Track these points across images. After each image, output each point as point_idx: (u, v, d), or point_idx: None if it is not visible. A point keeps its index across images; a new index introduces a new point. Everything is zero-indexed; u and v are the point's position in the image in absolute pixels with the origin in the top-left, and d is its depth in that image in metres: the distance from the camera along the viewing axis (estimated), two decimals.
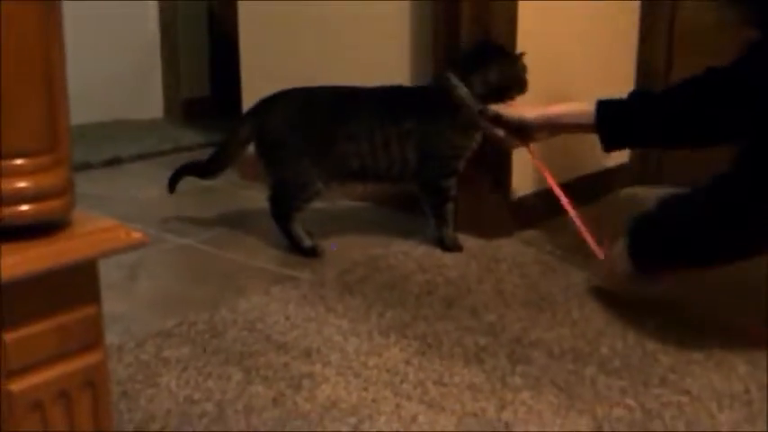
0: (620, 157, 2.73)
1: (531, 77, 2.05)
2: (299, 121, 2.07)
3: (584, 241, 1.98)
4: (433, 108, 2.04)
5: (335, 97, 2.09)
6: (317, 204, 2.15)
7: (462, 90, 2.00)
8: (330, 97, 2.09)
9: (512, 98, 2.02)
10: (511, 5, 2.12)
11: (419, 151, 2.03)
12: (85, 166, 2.95)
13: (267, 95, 2.12)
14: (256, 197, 2.29)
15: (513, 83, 2.02)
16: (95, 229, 0.70)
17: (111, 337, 1.59)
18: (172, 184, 2.24)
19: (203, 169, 2.22)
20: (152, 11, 3.88)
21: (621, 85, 2.66)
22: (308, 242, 2.09)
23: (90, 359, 0.72)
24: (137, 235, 0.69)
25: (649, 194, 2.65)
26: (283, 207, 2.09)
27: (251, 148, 2.14)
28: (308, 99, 2.09)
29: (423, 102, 2.07)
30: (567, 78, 2.37)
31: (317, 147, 2.04)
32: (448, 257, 2.05)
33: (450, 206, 2.08)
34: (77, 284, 0.70)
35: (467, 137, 2.04)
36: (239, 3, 2.79)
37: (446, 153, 2.04)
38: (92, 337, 0.72)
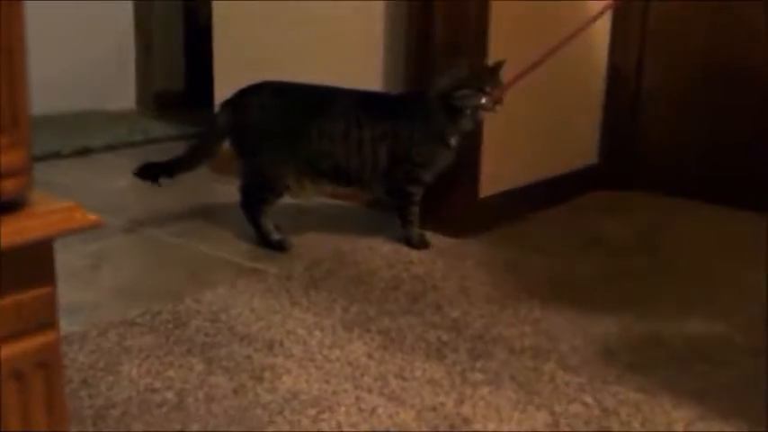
0: (590, 158, 2.76)
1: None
2: (276, 115, 2.07)
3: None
4: (407, 115, 2.06)
5: (313, 95, 2.09)
6: (288, 200, 2.15)
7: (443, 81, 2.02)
8: (308, 94, 2.09)
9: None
10: (483, 7, 2.13)
11: (390, 156, 2.05)
12: (55, 156, 2.93)
13: (246, 86, 2.12)
14: (227, 190, 2.29)
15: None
16: (52, 210, 0.70)
17: (74, 326, 1.59)
18: (143, 174, 2.19)
19: (180, 162, 2.18)
20: (127, 3, 3.86)
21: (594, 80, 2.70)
22: (275, 236, 2.09)
23: (44, 339, 0.73)
24: (92, 217, 0.70)
25: (618, 196, 2.69)
26: (254, 199, 2.10)
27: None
28: (287, 94, 2.10)
29: (398, 108, 2.08)
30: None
31: (291, 142, 2.05)
32: (414, 254, 2.07)
33: (415, 208, 2.09)
34: (33, 264, 0.70)
35: (437, 149, 2.05)
36: None
37: (415, 160, 2.05)
38: (46, 318, 0.72)
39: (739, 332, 1.70)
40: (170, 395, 1.37)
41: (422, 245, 2.10)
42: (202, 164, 2.19)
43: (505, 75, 2.04)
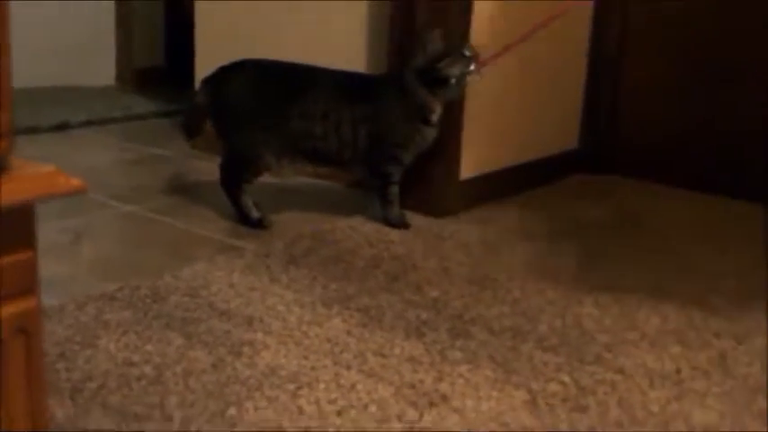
0: (570, 143, 2.77)
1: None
2: (257, 93, 2.06)
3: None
4: (386, 96, 2.05)
5: (295, 74, 2.08)
6: (268, 178, 2.15)
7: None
8: (289, 73, 2.08)
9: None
10: None
11: (370, 137, 2.04)
12: (32, 130, 2.90)
13: (226, 63, 2.11)
14: (207, 168, 2.29)
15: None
16: (34, 174, 0.69)
17: (52, 299, 1.58)
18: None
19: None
20: None
21: (575, 65, 2.71)
22: (255, 213, 2.08)
23: (24, 305, 0.72)
24: (75, 182, 0.69)
25: (598, 181, 2.71)
26: (234, 177, 2.09)
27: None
28: (268, 72, 2.09)
29: (378, 89, 2.08)
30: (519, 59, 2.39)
31: (271, 120, 2.04)
32: (394, 234, 2.07)
33: (394, 188, 2.09)
34: (14, 229, 0.70)
35: (417, 128, 2.05)
36: None
37: (395, 141, 2.04)
38: (26, 284, 0.72)
39: (714, 316, 1.72)
40: (148, 369, 1.36)
41: (402, 225, 2.10)
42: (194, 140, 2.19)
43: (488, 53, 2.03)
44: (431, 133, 2.06)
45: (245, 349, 1.45)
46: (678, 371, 1.48)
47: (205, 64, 2.63)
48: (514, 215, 2.31)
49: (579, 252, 2.06)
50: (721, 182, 2.61)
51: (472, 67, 1.99)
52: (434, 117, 2.04)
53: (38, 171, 0.70)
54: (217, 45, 2.71)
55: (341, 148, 2.05)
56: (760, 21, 2.49)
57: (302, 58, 2.11)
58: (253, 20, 2.61)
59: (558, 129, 2.73)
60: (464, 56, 1.98)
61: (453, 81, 1.99)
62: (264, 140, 2.05)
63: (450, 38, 2.02)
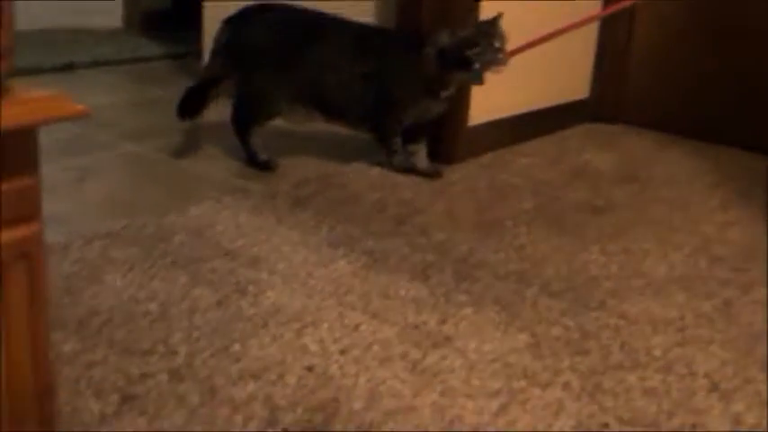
0: (582, 92, 2.75)
1: None
2: (276, 37, 2.05)
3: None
4: (399, 58, 2.03)
5: (314, 22, 2.06)
6: (278, 122, 2.14)
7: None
8: (309, 20, 2.07)
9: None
10: None
11: (376, 95, 2.02)
12: (36, 71, 2.87)
13: (248, 5, 2.09)
14: (214, 109, 2.26)
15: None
16: (37, 98, 0.68)
17: (58, 236, 1.58)
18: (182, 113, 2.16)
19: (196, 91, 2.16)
20: None
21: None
22: (263, 155, 2.08)
23: (27, 230, 0.72)
24: (79, 106, 0.68)
25: (607, 130, 2.69)
26: (245, 117, 2.08)
27: None
28: (289, 17, 2.08)
29: (393, 48, 2.05)
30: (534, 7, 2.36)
31: (286, 66, 2.03)
32: (402, 178, 2.06)
33: (397, 139, 2.07)
34: (17, 153, 0.69)
35: (422, 100, 2.02)
36: None
37: (397, 99, 2.02)
38: (29, 209, 0.71)
39: (718, 264, 1.71)
40: (153, 306, 1.37)
41: (435, 174, 2.09)
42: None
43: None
44: (437, 107, 2.05)
45: (250, 288, 1.45)
46: (682, 318, 1.48)
47: (212, 7, 2.61)
48: (523, 162, 2.29)
49: (587, 200, 2.04)
50: (729, 133, 2.59)
51: (500, 56, 1.95)
52: (444, 94, 2.03)
53: (40, 95, 0.69)
54: None
55: (349, 102, 2.04)
56: None
57: (314, 3, 2.08)
58: None
59: (570, 78, 2.70)
60: (493, 47, 1.94)
61: (477, 67, 1.96)
62: (279, 84, 2.05)
63: (478, 24, 2.00)
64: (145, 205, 1.81)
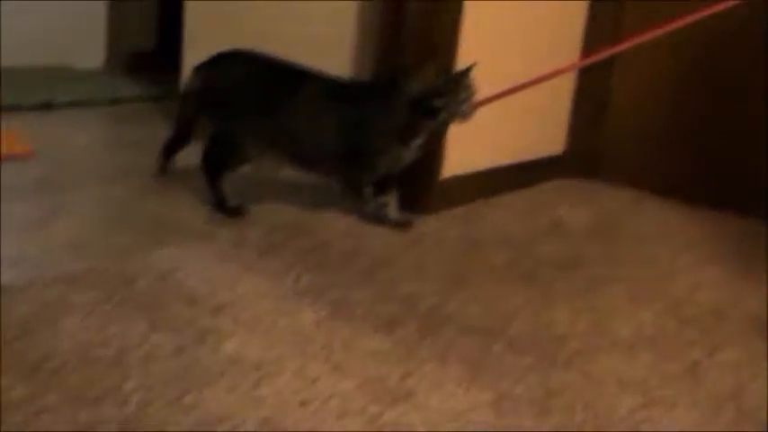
0: (556, 147, 2.76)
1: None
2: (250, 84, 2.05)
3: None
4: (372, 106, 2.03)
5: (286, 71, 2.06)
6: (249, 169, 2.13)
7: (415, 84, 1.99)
8: (283, 70, 2.07)
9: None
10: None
11: (349, 145, 2.02)
12: (14, 108, 2.85)
13: (222, 51, 2.09)
14: (188, 152, 2.25)
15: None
16: None
17: (18, 277, 1.55)
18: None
19: (177, 137, 2.21)
20: None
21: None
22: (233, 201, 2.06)
23: None
24: (25, 147, 0.67)
25: (582, 186, 2.70)
26: (216, 163, 2.07)
27: None
28: (263, 65, 2.08)
29: (364, 97, 2.05)
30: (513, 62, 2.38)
31: (258, 114, 2.03)
32: (373, 228, 2.05)
33: (369, 189, 2.06)
34: None
35: (394, 148, 2.01)
36: None
37: (370, 148, 2.02)
38: None
39: (688, 325, 1.70)
40: (110, 351, 1.34)
41: (406, 224, 2.08)
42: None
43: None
44: (408, 156, 2.04)
45: (210, 336, 1.42)
46: (648, 378, 1.46)
47: (193, 49, 2.61)
48: (495, 215, 2.29)
49: (558, 256, 2.04)
50: (703, 192, 2.60)
51: (464, 108, 1.96)
52: (415, 143, 2.02)
53: None
54: (205, 32, 2.68)
55: (320, 151, 2.03)
56: (750, 34, 2.48)
57: (288, 51, 2.09)
58: (242, 8, 2.59)
59: (546, 132, 2.71)
60: (461, 96, 1.95)
61: (444, 116, 1.97)
62: (251, 132, 2.04)
63: (447, 73, 2.00)
64: (110, 248, 1.78)
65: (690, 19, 1.92)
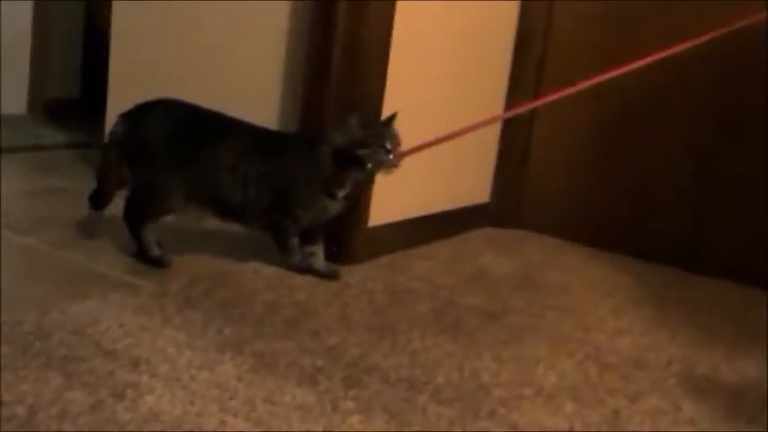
0: (482, 196, 2.80)
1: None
2: (173, 134, 2.03)
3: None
4: (296, 157, 2.03)
5: (211, 121, 2.06)
6: (172, 219, 2.10)
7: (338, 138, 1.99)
8: (206, 120, 2.06)
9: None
10: (382, 54, 2.16)
11: (273, 193, 2.02)
12: None
13: (146, 101, 2.07)
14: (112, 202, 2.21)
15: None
16: None
17: None
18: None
19: (101, 188, 2.14)
20: (25, 5, 3.72)
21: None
22: (156, 251, 2.03)
23: None
24: None
25: (506, 235, 2.73)
26: (139, 212, 2.04)
27: None
28: (186, 115, 2.06)
29: (289, 148, 2.06)
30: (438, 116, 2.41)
31: (182, 164, 2.01)
32: (297, 279, 2.03)
33: (294, 239, 2.06)
34: None
35: (320, 200, 2.02)
36: (114, 6, 2.71)
37: (295, 200, 2.02)
38: None
39: (610, 373, 1.73)
40: (20, 410, 1.29)
41: (332, 275, 2.08)
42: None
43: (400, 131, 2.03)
44: (334, 207, 2.04)
45: (128, 392, 1.38)
46: (571, 428, 1.47)
47: (118, 97, 2.59)
48: (421, 264, 2.30)
49: (482, 305, 2.05)
50: (624, 241, 2.67)
51: (390, 157, 1.98)
52: (340, 194, 2.03)
53: None
54: (130, 80, 2.66)
55: (245, 203, 2.02)
56: (671, 83, 2.57)
57: (215, 101, 2.08)
58: (168, 57, 2.58)
59: (471, 182, 2.75)
60: (385, 148, 1.97)
61: (368, 167, 1.99)
62: (174, 182, 2.02)
63: (370, 124, 2.01)
64: (26, 301, 1.73)
65: (607, 76, 1.99)
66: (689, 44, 1.97)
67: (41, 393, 1.34)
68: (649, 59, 1.98)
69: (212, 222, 2.14)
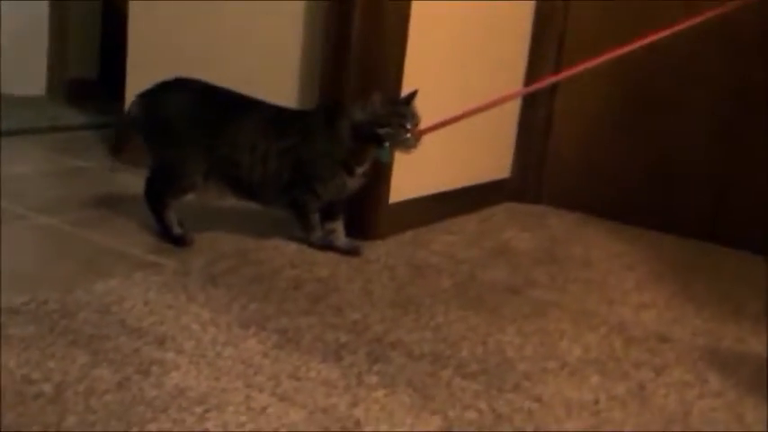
0: (503, 171, 2.78)
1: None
2: (192, 113, 2.03)
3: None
4: (315, 133, 2.03)
5: (230, 101, 2.05)
6: (192, 198, 2.10)
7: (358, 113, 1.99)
8: (225, 99, 2.05)
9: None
10: (401, 28, 2.15)
11: (293, 171, 2.01)
12: None
13: (165, 80, 2.07)
14: (129, 181, 2.22)
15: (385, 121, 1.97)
16: None
17: None
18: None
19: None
20: None
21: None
22: (177, 230, 2.03)
23: None
24: None
25: (528, 210, 2.72)
26: (159, 191, 2.04)
27: None
28: (205, 94, 2.06)
29: (308, 125, 2.05)
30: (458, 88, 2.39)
31: (202, 143, 2.01)
32: (319, 255, 2.03)
33: (315, 216, 2.06)
34: None
35: (339, 175, 2.02)
36: None
37: (315, 173, 2.01)
38: None
39: (635, 346, 1.72)
40: (48, 387, 1.30)
41: (353, 251, 2.07)
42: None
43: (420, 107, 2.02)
44: (353, 183, 2.04)
45: (154, 369, 1.39)
46: (596, 401, 1.46)
47: (136, 78, 2.58)
48: (443, 240, 2.29)
49: (505, 280, 2.04)
50: (646, 214, 2.65)
51: (408, 136, 1.97)
52: (359, 170, 2.03)
53: None
54: (149, 61, 2.66)
55: (264, 181, 2.02)
56: (690, 58, 2.54)
57: (232, 80, 2.08)
58: (186, 38, 2.57)
59: (492, 157, 2.74)
60: (404, 127, 1.96)
61: (387, 145, 1.97)
62: (194, 161, 2.02)
63: (390, 102, 2.00)
64: (51, 280, 1.74)
65: (627, 49, 1.96)
66: (711, 14, 1.94)
67: (68, 371, 1.35)
68: (670, 31, 1.95)
69: (232, 200, 2.14)
